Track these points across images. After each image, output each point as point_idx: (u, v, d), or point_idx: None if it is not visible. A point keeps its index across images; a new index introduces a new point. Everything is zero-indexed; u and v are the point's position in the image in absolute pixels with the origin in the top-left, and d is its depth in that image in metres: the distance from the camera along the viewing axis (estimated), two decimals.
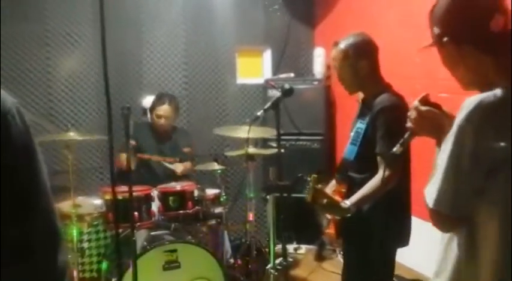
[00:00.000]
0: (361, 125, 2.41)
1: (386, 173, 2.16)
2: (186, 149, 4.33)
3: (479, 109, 1.28)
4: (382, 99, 2.35)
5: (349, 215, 2.21)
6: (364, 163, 2.32)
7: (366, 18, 4.69)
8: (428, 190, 1.37)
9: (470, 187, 1.30)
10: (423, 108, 1.56)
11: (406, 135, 1.67)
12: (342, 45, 2.44)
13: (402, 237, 2.46)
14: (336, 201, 2.18)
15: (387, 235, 2.38)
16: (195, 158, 4.40)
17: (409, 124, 1.60)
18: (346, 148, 2.52)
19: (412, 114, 1.58)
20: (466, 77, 1.47)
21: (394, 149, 1.71)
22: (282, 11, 5.28)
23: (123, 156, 3.91)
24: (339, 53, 2.44)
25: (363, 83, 2.46)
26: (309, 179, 2.11)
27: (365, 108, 2.45)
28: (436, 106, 1.57)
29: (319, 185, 2.16)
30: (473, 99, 1.32)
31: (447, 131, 1.35)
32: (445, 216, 1.35)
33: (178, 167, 4.06)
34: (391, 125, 2.24)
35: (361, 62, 2.42)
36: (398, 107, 2.32)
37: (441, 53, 1.50)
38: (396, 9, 4.30)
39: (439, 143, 1.44)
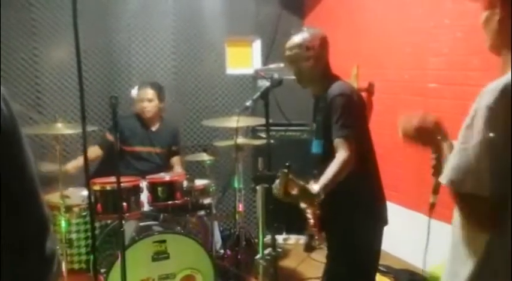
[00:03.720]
0: (320, 119, 2.48)
1: (344, 154, 2.26)
2: (174, 147, 4.36)
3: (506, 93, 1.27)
4: (332, 89, 2.42)
5: (319, 199, 2.24)
6: (333, 154, 2.35)
7: (356, 8, 4.69)
8: (458, 175, 1.32)
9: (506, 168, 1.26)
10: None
11: (434, 182, 1.65)
12: (306, 34, 2.52)
13: (381, 216, 2.51)
14: (306, 187, 2.21)
15: (366, 217, 2.44)
16: (181, 153, 4.45)
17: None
18: (312, 144, 2.58)
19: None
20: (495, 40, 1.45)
21: (431, 200, 1.68)
22: (272, 0, 5.26)
23: (92, 149, 3.95)
24: (303, 41, 2.51)
25: (317, 74, 2.53)
26: (279, 174, 2.13)
27: (320, 102, 2.52)
28: None
29: (290, 176, 2.17)
30: (496, 84, 1.31)
31: None
32: (484, 200, 1.28)
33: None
34: (342, 110, 2.33)
35: (322, 53, 2.51)
36: (348, 93, 2.41)
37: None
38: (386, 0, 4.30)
39: None
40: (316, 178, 2.47)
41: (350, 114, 2.34)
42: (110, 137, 4.12)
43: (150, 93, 4.17)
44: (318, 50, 2.49)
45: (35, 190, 1.10)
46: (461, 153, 1.32)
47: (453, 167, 1.33)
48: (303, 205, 2.42)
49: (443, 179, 1.35)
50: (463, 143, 1.32)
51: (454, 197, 1.35)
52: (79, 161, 3.84)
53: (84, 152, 2.63)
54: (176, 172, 4.12)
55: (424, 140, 1.63)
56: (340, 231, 2.48)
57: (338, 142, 2.31)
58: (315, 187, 2.22)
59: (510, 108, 1.26)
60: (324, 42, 2.53)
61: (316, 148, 2.53)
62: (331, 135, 2.36)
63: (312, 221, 2.54)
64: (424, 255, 1.72)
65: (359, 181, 2.35)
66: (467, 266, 1.39)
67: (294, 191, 2.16)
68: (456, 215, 1.45)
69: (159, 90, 4.23)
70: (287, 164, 2.17)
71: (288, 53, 2.57)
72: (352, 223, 2.43)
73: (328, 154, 2.42)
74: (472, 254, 1.39)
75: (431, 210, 1.67)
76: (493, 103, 1.27)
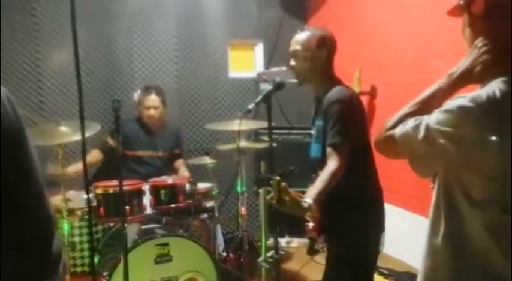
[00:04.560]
0: (319, 122, 2.47)
1: (333, 163, 2.25)
2: (177, 150, 4.36)
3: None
4: (331, 93, 2.40)
5: (309, 213, 2.22)
6: None
7: (358, 12, 4.70)
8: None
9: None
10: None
11: None
12: (307, 32, 2.51)
13: (379, 223, 2.50)
14: (298, 200, 2.20)
15: (365, 221, 2.43)
16: (184, 155, 4.47)
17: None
18: (311, 147, 2.58)
19: None
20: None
21: None
22: (274, 4, 5.28)
23: (93, 153, 3.98)
24: (302, 39, 2.50)
25: (315, 74, 2.51)
26: (271, 182, 2.12)
27: (319, 104, 2.51)
28: None
29: (283, 184, 2.17)
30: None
31: None
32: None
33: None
34: (339, 117, 2.31)
35: (320, 52, 2.48)
36: (347, 99, 2.38)
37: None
38: (388, 3, 4.30)
39: None
40: (314, 181, 2.47)
41: (345, 121, 2.32)
42: (110, 141, 4.13)
43: (156, 100, 4.14)
44: (314, 50, 2.47)
45: (40, 191, 1.11)
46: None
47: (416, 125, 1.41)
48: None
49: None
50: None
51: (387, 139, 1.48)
52: (80, 165, 3.85)
53: (83, 156, 2.64)
54: (182, 174, 4.12)
55: None
56: (340, 235, 2.48)
57: (330, 149, 2.30)
58: (306, 199, 2.21)
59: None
60: (322, 44, 2.49)
61: (314, 151, 2.53)
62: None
63: (310, 224, 2.54)
64: None
65: (358, 185, 2.35)
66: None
67: (286, 198, 2.16)
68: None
69: (163, 96, 4.23)
70: (291, 168, 2.16)
71: (289, 49, 2.57)
72: (351, 227, 2.42)
73: (326, 158, 2.42)
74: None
75: None
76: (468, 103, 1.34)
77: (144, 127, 4.24)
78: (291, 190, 2.19)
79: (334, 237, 2.52)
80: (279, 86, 2.71)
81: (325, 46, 2.49)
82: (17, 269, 1.06)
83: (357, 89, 4.32)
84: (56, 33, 4.31)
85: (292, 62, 2.55)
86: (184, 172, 4.21)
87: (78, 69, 2.48)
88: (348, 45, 4.53)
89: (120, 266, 2.79)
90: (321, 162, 2.47)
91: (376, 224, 2.48)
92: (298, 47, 2.50)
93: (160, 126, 4.30)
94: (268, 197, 2.15)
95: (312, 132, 2.60)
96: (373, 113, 4.42)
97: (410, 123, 1.42)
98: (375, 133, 2.55)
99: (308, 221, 2.50)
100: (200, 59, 4.96)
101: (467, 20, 1.48)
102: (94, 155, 4.14)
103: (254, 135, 4.79)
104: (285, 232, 4.81)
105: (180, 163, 4.35)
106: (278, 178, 2.10)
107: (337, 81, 2.52)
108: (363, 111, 2.51)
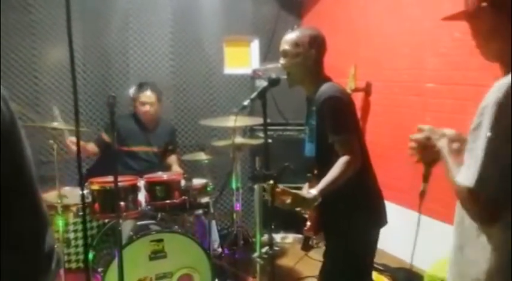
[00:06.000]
0: (312, 121, 2.47)
1: (347, 157, 2.24)
2: (170, 146, 4.40)
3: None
4: (322, 90, 2.40)
5: (316, 203, 2.22)
6: (327, 156, 2.35)
7: (354, 9, 4.70)
8: (465, 175, 1.31)
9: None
10: (419, 136, 1.60)
11: (424, 170, 1.70)
12: (297, 32, 2.51)
13: (378, 219, 2.50)
14: (300, 194, 2.20)
15: (365, 217, 2.42)
16: (178, 152, 4.49)
17: (415, 157, 1.65)
18: (305, 147, 2.57)
19: (412, 145, 1.63)
20: (495, 49, 1.44)
21: (421, 188, 1.71)
22: (270, 0, 5.28)
23: (89, 145, 4.04)
24: (292, 39, 2.49)
25: (305, 74, 2.51)
26: (265, 186, 2.12)
27: (311, 104, 2.50)
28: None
29: (278, 188, 2.17)
30: (504, 82, 1.29)
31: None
32: (488, 200, 1.27)
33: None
34: (336, 112, 2.32)
35: (309, 52, 2.47)
36: (338, 94, 2.38)
37: (474, 21, 1.47)
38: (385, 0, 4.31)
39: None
40: (310, 181, 2.46)
41: (342, 115, 2.33)
42: (105, 137, 4.13)
43: (151, 96, 4.16)
44: (307, 47, 2.46)
45: (33, 188, 1.11)
46: (471, 154, 1.30)
47: (466, 171, 1.31)
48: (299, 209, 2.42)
49: (462, 181, 1.32)
50: (473, 143, 1.30)
51: (468, 200, 1.32)
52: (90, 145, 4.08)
53: (78, 151, 2.64)
54: (175, 171, 4.12)
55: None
56: (339, 231, 2.48)
57: (338, 145, 2.29)
58: (312, 191, 2.21)
59: None
60: (314, 41, 2.48)
61: (309, 151, 2.53)
62: (325, 138, 2.34)
63: (308, 223, 2.55)
64: (413, 250, 1.72)
65: (355, 181, 2.35)
66: (476, 266, 1.38)
67: (288, 201, 2.16)
68: (459, 218, 1.45)
69: (159, 92, 4.24)
70: (286, 164, 2.16)
71: (280, 49, 2.58)
72: (350, 224, 2.42)
73: (322, 157, 2.42)
74: (486, 253, 1.37)
75: (421, 198, 1.70)
76: (503, 98, 1.25)
77: (139, 123, 4.25)
78: (285, 186, 2.20)
79: (332, 234, 2.53)
80: (274, 82, 2.71)
81: (315, 46, 2.48)
82: (10, 264, 1.06)
83: (352, 86, 4.32)
84: (52, 30, 4.30)
85: (282, 61, 2.55)
86: (176, 169, 4.22)
87: (72, 64, 2.47)
88: (344, 41, 4.54)
89: (115, 262, 2.79)
90: (316, 161, 2.47)
91: (374, 221, 2.48)
92: (287, 47, 2.49)
93: (155, 123, 4.31)
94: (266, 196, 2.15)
95: (306, 131, 2.59)
96: (368, 109, 4.43)
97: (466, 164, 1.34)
98: (371, 130, 2.57)
99: (306, 220, 2.51)
100: (196, 55, 4.95)
101: (484, 31, 1.43)
102: (91, 147, 4.16)
103: (249, 131, 4.80)
104: (280, 228, 4.82)
105: (173, 159, 4.35)
106: (272, 182, 2.10)
107: (326, 79, 2.52)
108: (354, 107, 2.52)
